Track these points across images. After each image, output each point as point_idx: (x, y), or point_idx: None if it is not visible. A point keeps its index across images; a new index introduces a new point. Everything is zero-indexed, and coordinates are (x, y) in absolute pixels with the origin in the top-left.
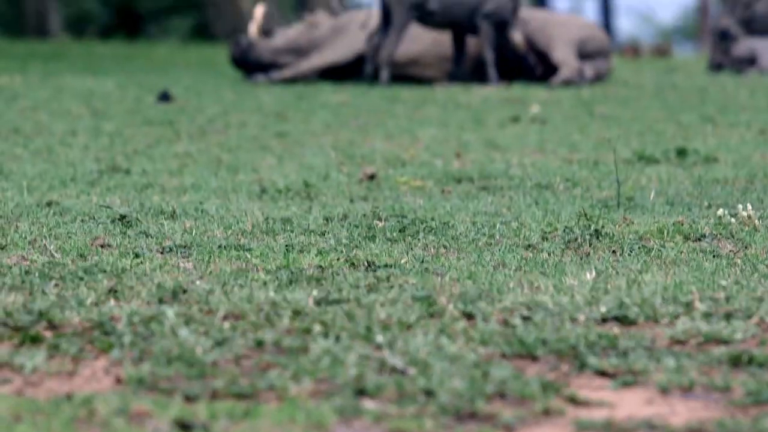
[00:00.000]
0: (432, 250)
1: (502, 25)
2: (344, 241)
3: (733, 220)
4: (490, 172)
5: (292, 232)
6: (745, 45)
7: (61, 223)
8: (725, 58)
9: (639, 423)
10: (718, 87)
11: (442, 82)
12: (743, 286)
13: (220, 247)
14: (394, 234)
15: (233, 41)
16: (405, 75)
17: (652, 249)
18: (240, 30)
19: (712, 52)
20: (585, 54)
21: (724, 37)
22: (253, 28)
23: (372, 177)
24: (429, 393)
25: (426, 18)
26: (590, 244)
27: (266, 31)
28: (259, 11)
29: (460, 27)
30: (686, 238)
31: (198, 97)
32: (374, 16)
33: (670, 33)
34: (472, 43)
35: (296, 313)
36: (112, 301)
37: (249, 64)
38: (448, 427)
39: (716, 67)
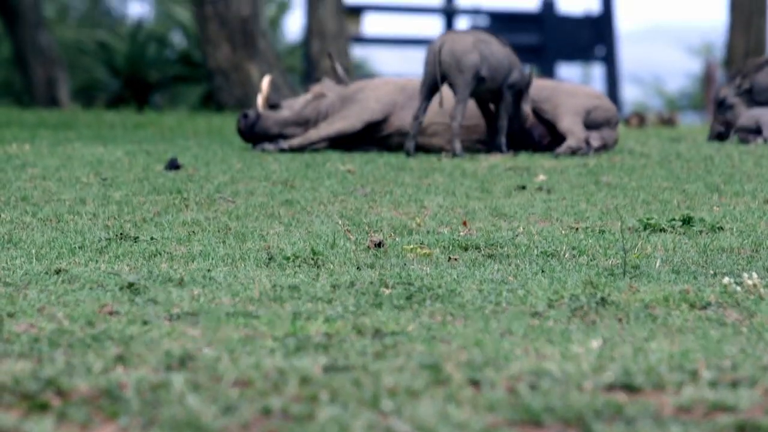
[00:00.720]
0: (439, 317)
1: (517, 95)
2: (351, 308)
3: (738, 288)
4: (496, 240)
5: (299, 299)
6: (749, 115)
7: (70, 290)
8: (724, 128)
9: None
10: (723, 156)
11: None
12: (749, 355)
13: (227, 314)
14: (401, 301)
15: (241, 114)
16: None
17: (658, 317)
18: (248, 100)
19: (712, 121)
20: (592, 124)
21: (721, 106)
22: (260, 100)
23: (379, 245)
24: None
25: (477, 85)
26: (596, 312)
27: (273, 105)
28: (265, 83)
29: (493, 95)
30: (692, 306)
31: (206, 166)
32: (386, 84)
33: (677, 101)
34: (476, 114)
35: (304, 380)
36: (120, 368)
37: (257, 137)
38: None
39: (716, 136)
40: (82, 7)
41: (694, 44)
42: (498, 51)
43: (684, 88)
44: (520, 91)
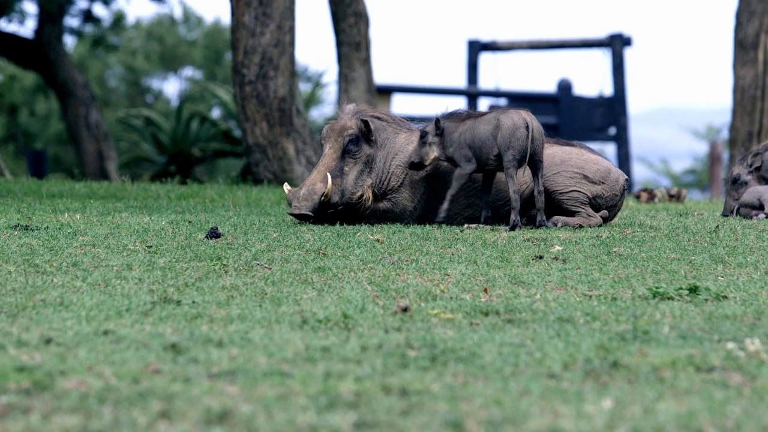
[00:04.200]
0: (461, 378)
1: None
2: (379, 369)
3: (742, 353)
4: (515, 306)
5: (330, 360)
6: (752, 191)
7: (117, 350)
8: (737, 204)
9: None
10: (728, 230)
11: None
12: (751, 416)
13: (263, 373)
14: (426, 363)
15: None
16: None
17: (666, 379)
18: (284, 174)
19: (726, 198)
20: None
21: (735, 183)
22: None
23: (405, 310)
24: None
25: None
26: (608, 374)
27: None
28: (329, 185)
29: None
30: (698, 369)
31: (244, 235)
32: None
33: (682, 180)
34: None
35: None
36: (163, 423)
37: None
38: None
39: (731, 213)
40: (123, 88)
41: (698, 127)
42: None
43: (688, 168)
44: None
